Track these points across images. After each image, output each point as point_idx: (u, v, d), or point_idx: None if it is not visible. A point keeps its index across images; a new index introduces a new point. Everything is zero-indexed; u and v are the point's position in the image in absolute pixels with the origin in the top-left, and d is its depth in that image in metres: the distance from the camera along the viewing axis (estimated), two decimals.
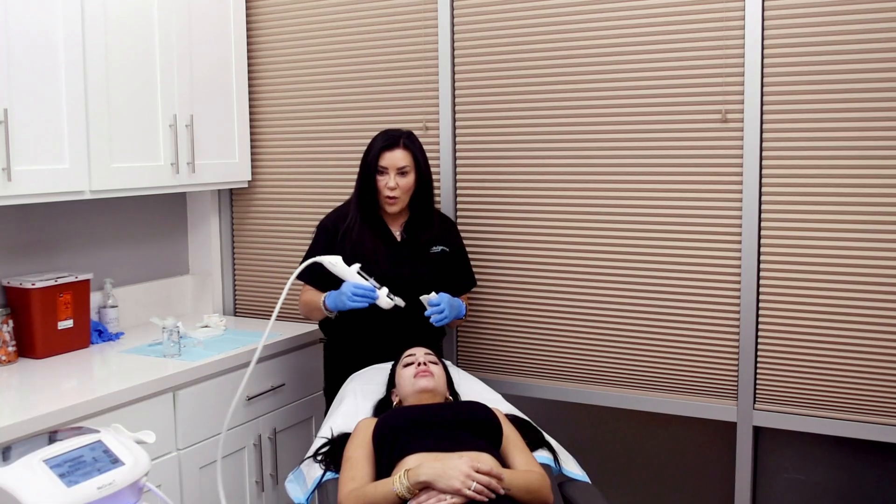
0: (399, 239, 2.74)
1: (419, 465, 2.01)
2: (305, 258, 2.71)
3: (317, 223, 2.79)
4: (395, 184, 2.62)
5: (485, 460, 2.08)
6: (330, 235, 2.74)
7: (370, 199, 2.69)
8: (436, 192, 2.99)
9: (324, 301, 2.63)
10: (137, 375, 2.52)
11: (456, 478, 1.94)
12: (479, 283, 2.96)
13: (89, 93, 2.65)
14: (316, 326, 3.18)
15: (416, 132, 2.84)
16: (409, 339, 2.57)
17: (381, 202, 2.68)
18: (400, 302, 2.53)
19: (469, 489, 1.92)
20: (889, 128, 2.41)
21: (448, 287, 2.69)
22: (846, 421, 2.55)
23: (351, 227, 2.70)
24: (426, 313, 2.54)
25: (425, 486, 1.96)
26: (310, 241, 2.81)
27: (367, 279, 2.51)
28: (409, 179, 2.65)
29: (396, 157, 2.63)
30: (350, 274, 2.51)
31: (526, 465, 2.17)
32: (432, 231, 2.73)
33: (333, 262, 2.50)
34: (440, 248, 2.74)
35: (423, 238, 2.72)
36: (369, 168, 2.66)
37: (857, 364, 2.52)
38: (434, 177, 2.98)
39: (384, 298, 2.51)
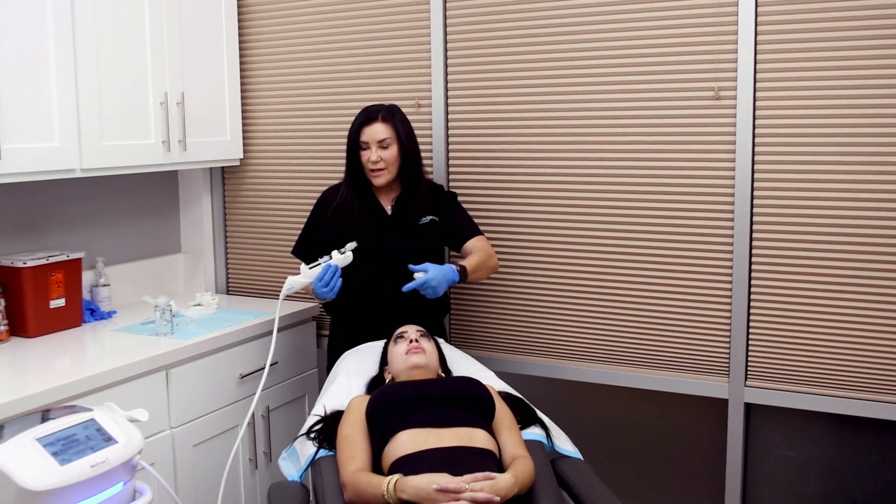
0: (389, 213, 2.75)
1: (405, 479, 1.94)
2: (303, 232, 2.85)
3: (308, 201, 2.79)
4: (377, 157, 2.65)
5: (478, 437, 2.09)
6: (318, 210, 2.82)
7: (359, 175, 2.72)
8: (429, 170, 3.00)
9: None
10: (130, 354, 2.52)
11: None
12: None
13: (79, 69, 2.62)
14: (308, 305, 3.19)
15: (408, 110, 2.84)
16: (411, 318, 2.57)
17: (367, 176, 2.70)
18: (350, 246, 2.57)
19: None
20: (884, 105, 2.40)
21: (447, 245, 2.65)
22: (837, 398, 2.56)
23: (342, 203, 2.73)
24: (404, 288, 2.50)
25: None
26: (301, 220, 2.81)
27: (318, 264, 2.55)
28: (392, 151, 2.67)
29: (376, 131, 2.65)
30: (308, 276, 2.54)
31: (513, 446, 2.17)
32: (421, 203, 2.74)
33: (300, 281, 2.55)
34: (429, 218, 2.74)
35: (411, 211, 2.73)
36: (352, 145, 2.70)
37: (848, 340, 2.53)
38: (427, 156, 2.98)
39: (339, 258, 2.55)
